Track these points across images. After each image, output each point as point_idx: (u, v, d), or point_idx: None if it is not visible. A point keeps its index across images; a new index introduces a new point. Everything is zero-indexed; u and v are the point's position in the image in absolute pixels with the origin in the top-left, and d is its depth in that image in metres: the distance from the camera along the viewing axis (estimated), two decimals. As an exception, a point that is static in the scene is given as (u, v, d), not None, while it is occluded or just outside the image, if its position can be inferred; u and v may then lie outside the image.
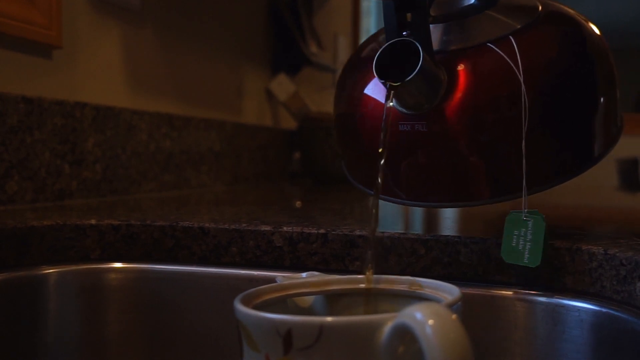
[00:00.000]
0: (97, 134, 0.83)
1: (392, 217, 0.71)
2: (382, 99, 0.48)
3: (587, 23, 0.50)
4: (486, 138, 0.44)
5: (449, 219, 0.65)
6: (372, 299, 0.39)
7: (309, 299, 0.39)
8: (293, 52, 1.47)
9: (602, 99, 0.47)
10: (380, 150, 0.40)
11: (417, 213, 0.74)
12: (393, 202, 0.49)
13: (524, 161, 0.43)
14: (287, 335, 0.29)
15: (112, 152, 0.86)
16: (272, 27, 1.47)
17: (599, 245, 0.44)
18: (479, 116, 0.44)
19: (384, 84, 0.42)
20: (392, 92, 0.42)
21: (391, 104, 0.42)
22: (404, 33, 0.44)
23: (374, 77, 0.48)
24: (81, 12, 0.85)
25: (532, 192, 0.45)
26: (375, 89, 0.49)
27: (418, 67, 0.40)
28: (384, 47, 0.42)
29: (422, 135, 0.45)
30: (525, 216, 0.43)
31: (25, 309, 0.50)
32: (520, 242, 0.43)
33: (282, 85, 1.42)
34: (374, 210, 0.39)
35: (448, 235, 0.47)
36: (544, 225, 0.43)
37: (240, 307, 0.31)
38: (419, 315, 0.26)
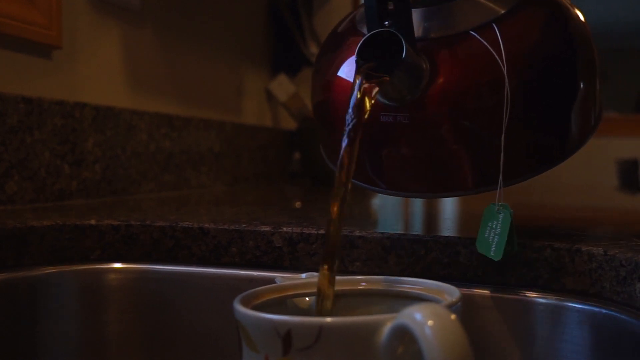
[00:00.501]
0: (97, 134, 0.83)
1: (392, 217, 0.71)
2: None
3: (573, 8, 0.49)
4: (469, 128, 0.44)
5: (448, 220, 0.65)
6: (371, 299, 0.39)
7: (309, 300, 0.39)
8: (293, 52, 1.47)
9: (583, 86, 0.47)
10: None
11: (417, 214, 0.74)
12: (376, 191, 0.49)
13: (502, 154, 0.43)
14: (287, 336, 0.29)
15: (112, 152, 0.86)
16: (272, 27, 1.47)
17: (598, 246, 0.44)
18: (461, 106, 0.43)
19: (362, 80, 0.41)
20: (377, 89, 0.41)
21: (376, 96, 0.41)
22: (385, 22, 0.43)
23: (346, 59, 0.48)
24: (81, 12, 0.85)
25: (514, 182, 0.45)
26: (349, 72, 0.47)
27: (401, 61, 0.40)
28: (365, 37, 0.41)
29: (404, 126, 0.44)
30: (498, 209, 0.43)
31: (25, 309, 0.50)
32: (491, 235, 0.43)
33: (282, 86, 1.42)
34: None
35: (448, 236, 0.47)
36: (509, 220, 0.42)
37: (239, 308, 0.31)
38: (418, 316, 0.26)
